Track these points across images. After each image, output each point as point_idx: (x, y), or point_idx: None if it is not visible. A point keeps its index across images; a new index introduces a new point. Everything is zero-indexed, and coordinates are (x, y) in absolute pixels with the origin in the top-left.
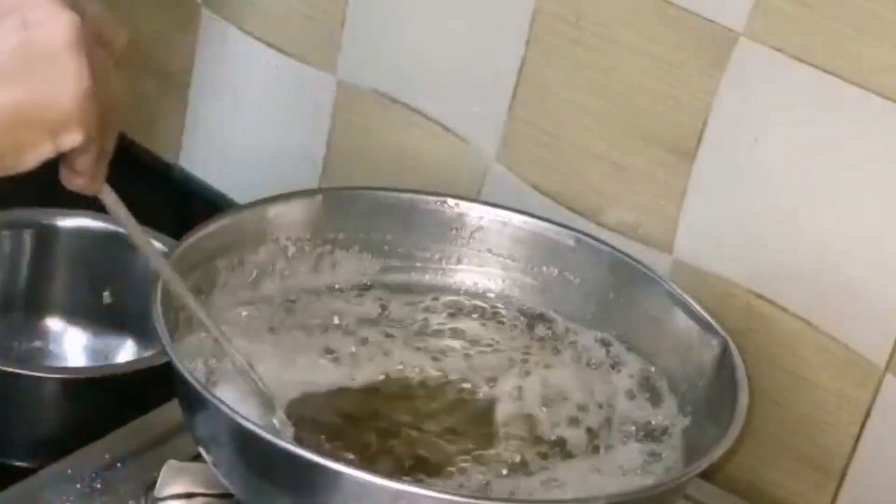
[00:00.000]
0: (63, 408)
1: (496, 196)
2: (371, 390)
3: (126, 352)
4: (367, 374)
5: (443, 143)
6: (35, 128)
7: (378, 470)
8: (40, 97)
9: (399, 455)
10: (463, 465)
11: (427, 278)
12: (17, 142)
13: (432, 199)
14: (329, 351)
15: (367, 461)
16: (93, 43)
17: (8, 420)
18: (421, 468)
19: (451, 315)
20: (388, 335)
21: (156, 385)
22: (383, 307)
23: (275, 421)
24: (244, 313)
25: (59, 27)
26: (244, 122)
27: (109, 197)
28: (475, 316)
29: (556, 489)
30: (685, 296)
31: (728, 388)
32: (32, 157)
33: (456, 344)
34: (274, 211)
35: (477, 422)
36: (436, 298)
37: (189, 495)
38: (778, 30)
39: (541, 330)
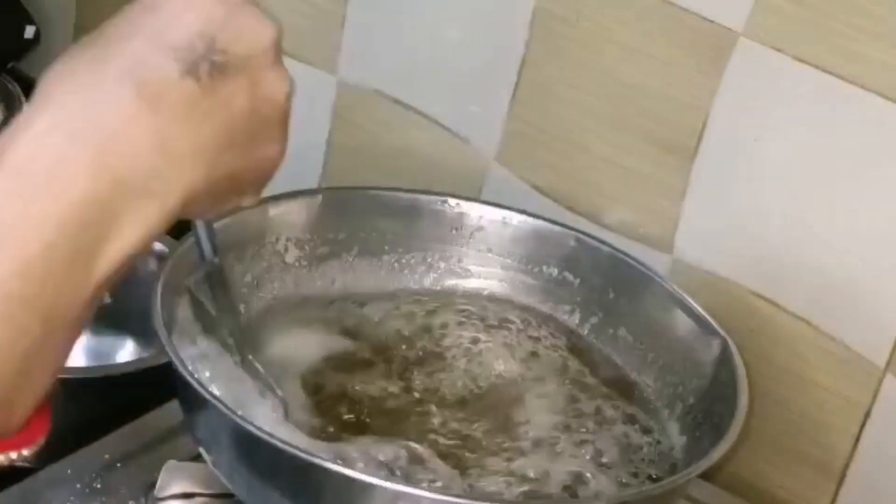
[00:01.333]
0: (63, 408)
1: (496, 196)
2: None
3: (126, 352)
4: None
5: (443, 143)
6: (235, 193)
7: None
8: (252, 166)
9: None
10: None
11: (427, 279)
12: (217, 203)
13: (432, 198)
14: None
15: None
16: None
17: None
18: None
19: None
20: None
21: (156, 385)
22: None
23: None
24: (244, 312)
25: (282, 97)
26: None
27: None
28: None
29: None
30: (685, 296)
31: (728, 388)
32: (221, 213)
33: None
34: (274, 211)
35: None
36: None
37: (189, 495)
38: (778, 30)
39: (541, 329)
